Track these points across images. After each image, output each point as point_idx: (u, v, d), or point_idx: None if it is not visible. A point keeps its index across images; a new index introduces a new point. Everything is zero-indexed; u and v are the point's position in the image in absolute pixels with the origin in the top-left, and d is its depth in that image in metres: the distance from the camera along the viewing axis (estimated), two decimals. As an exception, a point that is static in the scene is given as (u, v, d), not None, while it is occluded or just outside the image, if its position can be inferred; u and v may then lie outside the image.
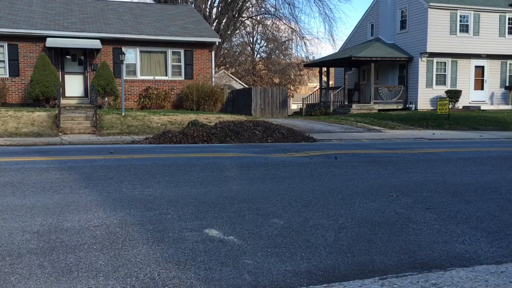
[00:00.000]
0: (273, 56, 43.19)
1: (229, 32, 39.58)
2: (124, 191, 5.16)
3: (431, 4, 25.12)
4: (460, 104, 26.21)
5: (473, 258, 3.23)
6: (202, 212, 4.28)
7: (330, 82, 32.78)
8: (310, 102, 29.83)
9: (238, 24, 40.87)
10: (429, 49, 25.43)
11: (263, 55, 48.32)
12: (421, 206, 4.66)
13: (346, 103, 26.97)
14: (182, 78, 23.14)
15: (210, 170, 6.72)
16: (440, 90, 26.05)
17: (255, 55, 47.93)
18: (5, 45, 20.68)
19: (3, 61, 20.75)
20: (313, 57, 45.71)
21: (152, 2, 37.68)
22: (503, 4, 26.98)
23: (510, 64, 27.47)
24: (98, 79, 20.03)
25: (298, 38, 43.80)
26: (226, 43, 40.10)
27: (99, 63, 21.06)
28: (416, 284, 2.62)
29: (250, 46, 45.91)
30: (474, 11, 26.04)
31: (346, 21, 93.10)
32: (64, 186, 5.39)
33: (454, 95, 25.75)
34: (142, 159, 8.00)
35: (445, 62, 26.31)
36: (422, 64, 25.93)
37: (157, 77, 22.78)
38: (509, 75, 27.56)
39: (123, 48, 20.96)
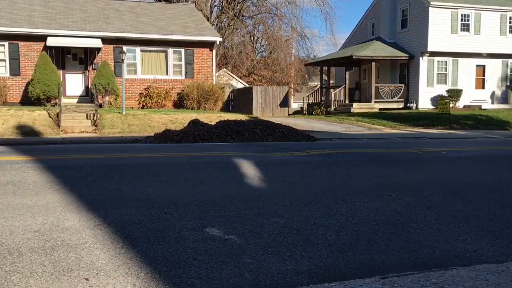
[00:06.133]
0: (273, 55, 43.16)
1: (230, 31, 39.57)
2: (125, 190, 5.16)
3: (432, 3, 25.09)
4: (461, 103, 26.19)
5: (474, 257, 3.23)
6: (202, 211, 4.28)
7: (331, 81, 32.76)
8: (311, 101, 29.81)
9: (239, 23, 40.86)
10: (430, 48, 25.40)
11: (264, 54, 48.28)
12: (422, 206, 4.65)
13: (347, 102, 26.96)
14: (182, 77, 23.14)
15: (211, 169, 6.71)
16: (441, 89, 26.03)
17: (256, 54, 47.89)
18: (6, 44, 20.70)
19: (4, 60, 20.77)
20: (314, 56, 45.66)
21: (153, 1, 37.69)
22: (504, 3, 26.94)
23: (511, 63, 27.44)
24: (99, 78, 20.04)
25: (299, 37, 43.71)
26: (226, 42, 40.09)
27: (100, 62, 21.07)
28: (417, 283, 2.62)
29: (251, 45, 45.87)
30: (475, 10, 26.00)
31: (347, 20, 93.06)
32: (65, 185, 5.39)
33: (455, 94, 25.74)
34: (143, 158, 8.00)
35: (446, 61, 26.29)
36: (423, 63, 25.91)
37: (158, 76, 22.79)
38: (510, 74, 27.53)
39: (124, 47, 20.96)
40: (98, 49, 21.51)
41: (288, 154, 8.81)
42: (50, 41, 20.31)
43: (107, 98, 20.59)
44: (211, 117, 17.40)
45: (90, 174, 6.16)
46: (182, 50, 23.11)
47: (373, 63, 26.83)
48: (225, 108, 24.34)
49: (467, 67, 26.62)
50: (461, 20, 25.87)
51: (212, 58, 23.75)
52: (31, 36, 20.80)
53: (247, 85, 37.20)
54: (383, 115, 21.90)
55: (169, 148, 10.20)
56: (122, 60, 19.20)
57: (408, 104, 26.36)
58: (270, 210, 4.36)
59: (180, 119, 17.22)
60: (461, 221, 4.13)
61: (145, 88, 22.46)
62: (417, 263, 3.11)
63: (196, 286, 2.67)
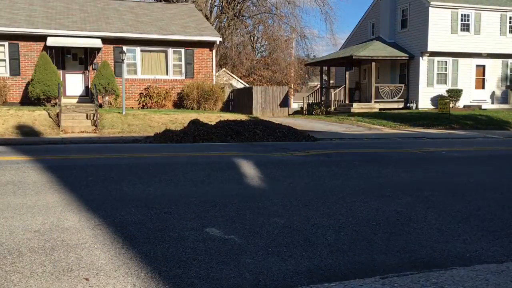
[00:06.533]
0: (273, 55, 43.16)
1: (229, 31, 39.57)
2: (125, 190, 5.16)
3: (432, 3, 25.09)
4: (461, 103, 26.20)
5: (474, 257, 3.23)
6: (202, 211, 4.28)
7: (331, 81, 32.76)
8: (311, 101, 29.83)
9: (239, 23, 40.86)
10: (430, 48, 25.40)
11: (264, 54, 48.30)
12: (422, 206, 4.65)
13: (347, 102, 26.95)
14: (182, 77, 23.15)
15: (211, 169, 6.71)
16: (441, 89, 26.04)
17: (256, 54, 47.90)
18: (6, 44, 20.70)
19: (4, 60, 20.77)
20: (314, 56, 45.69)
21: (153, 1, 37.68)
22: (504, 3, 26.94)
23: (511, 63, 27.44)
24: (99, 78, 20.05)
25: (299, 37, 43.70)
26: (226, 42, 40.09)
27: (100, 62, 21.07)
28: (417, 283, 2.62)
29: (251, 45, 45.88)
30: (475, 10, 26.00)
31: (347, 20, 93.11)
32: (65, 185, 5.39)
33: (455, 94, 25.74)
34: (143, 158, 8.00)
35: (446, 61, 26.29)
36: (423, 63, 25.91)
37: (158, 76, 22.79)
38: (510, 74, 27.53)
39: (124, 47, 20.97)
40: (98, 49, 21.51)
41: (288, 154, 8.81)
42: (50, 41, 20.31)
43: (107, 98, 20.59)
44: (211, 117, 17.40)
45: (90, 174, 6.16)
46: (182, 50, 23.11)
47: (373, 63, 26.83)
48: (225, 108, 24.34)
49: (467, 67, 26.61)
50: (461, 20, 25.87)
51: (212, 58, 23.75)
52: (31, 36, 20.80)
53: (247, 85, 37.20)
54: (383, 115, 21.90)
55: (169, 148, 10.20)
56: (122, 60, 19.20)
57: (408, 104, 26.36)
58: (270, 210, 4.36)
59: (180, 119, 17.22)
60: (461, 221, 4.13)
61: (145, 88, 22.46)
62: (417, 263, 3.11)
63: (196, 286, 2.67)
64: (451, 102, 22.93)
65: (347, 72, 27.64)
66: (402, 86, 26.74)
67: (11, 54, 20.78)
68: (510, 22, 26.81)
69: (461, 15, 25.84)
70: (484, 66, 27.02)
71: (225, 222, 3.94)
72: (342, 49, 33.23)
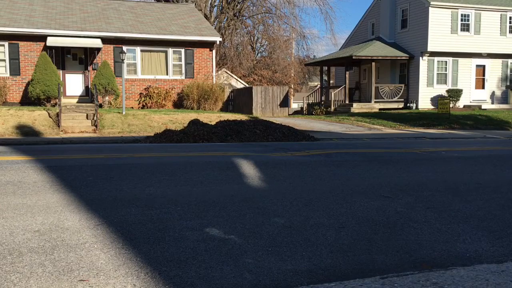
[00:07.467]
0: (274, 55, 43.14)
1: (229, 31, 39.56)
2: (125, 190, 5.16)
3: (432, 3, 25.10)
4: (461, 103, 26.21)
5: (474, 257, 3.23)
6: (202, 211, 4.28)
7: (331, 81, 32.76)
8: (311, 101, 29.84)
9: (239, 23, 40.85)
10: (430, 48, 25.41)
11: (264, 54, 48.31)
12: (422, 205, 4.65)
13: (347, 102, 26.96)
14: (182, 77, 23.16)
15: (211, 169, 6.71)
16: (441, 89, 26.05)
17: (256, 54, 47.90)
18: (6, 44, 20.71)
19: (4, 60, 20.78)
20: (314, 55, 45.74)
21: (153, 1, 37.68)
22: (504, 3, 26.94)
23: (511, 63, 27.45)
24: (99, 78, 20.05)
25: (299, 37, 43.71)
26: (226, 42, 40.09)
27: (100, 62, 21.08)
28: (417, 283, 2.62)
29: (251, 45, 45.87)
30: (475, 10, 26.01)
31: (347, 20, 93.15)
32: (65, 185, 5.39)
33: (455, 94, 25.75)
34: (143, 158, 8.00)
35: (446, 61, 26.30)
36: (423, 63, 25.92)
37: (158, 76, 22.80)
38: (510, 74, 27.54)
39: (124, 47, 20.97)
40: (98, 49, 21.51)
41: (288, 154, 8.81)
42: (50, 41, 20.32)
43: (107, 98, 20.59)
44: (211, 117, 17.40)
45: (90, 174, 6.16)
46: (182, 50, 23.12)
47: (373, 63, 26.84)
48: (225, 108, 24.34)
49: (467, 67, 26.62)
50: (461, 20, 25.88)
51: (212, 58, 23.77)
52: (31, 36, 20.81)
53: (247, 85, 37.20)
54: (383, 115, 21.91)
55: (169, 148, 10.20)
56: (122, 60, 19.21)
57: (408, 104, 26.36)
58: (270, 210, 4.36)
59: (180, 119, 17.22)
60: (461, 221, 4.13)
61: (145, 88, 22.46)
62: (417, 263, 3.11)
63: (196, 286, 2.67)
64: (451, 102, 22.94)
65: (347, 72, 27.64)
66: (402, 86, 26.74)
67: (11, 54, 20.79)
68: (510, 22, 26.81)
69: (461, 15, 25.85)
70: (484, 66, 27.02)
71: (225, 222, 3.94)
72: (342, 49, 33.23)
